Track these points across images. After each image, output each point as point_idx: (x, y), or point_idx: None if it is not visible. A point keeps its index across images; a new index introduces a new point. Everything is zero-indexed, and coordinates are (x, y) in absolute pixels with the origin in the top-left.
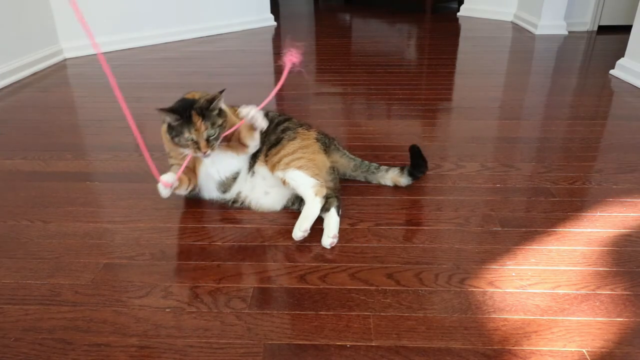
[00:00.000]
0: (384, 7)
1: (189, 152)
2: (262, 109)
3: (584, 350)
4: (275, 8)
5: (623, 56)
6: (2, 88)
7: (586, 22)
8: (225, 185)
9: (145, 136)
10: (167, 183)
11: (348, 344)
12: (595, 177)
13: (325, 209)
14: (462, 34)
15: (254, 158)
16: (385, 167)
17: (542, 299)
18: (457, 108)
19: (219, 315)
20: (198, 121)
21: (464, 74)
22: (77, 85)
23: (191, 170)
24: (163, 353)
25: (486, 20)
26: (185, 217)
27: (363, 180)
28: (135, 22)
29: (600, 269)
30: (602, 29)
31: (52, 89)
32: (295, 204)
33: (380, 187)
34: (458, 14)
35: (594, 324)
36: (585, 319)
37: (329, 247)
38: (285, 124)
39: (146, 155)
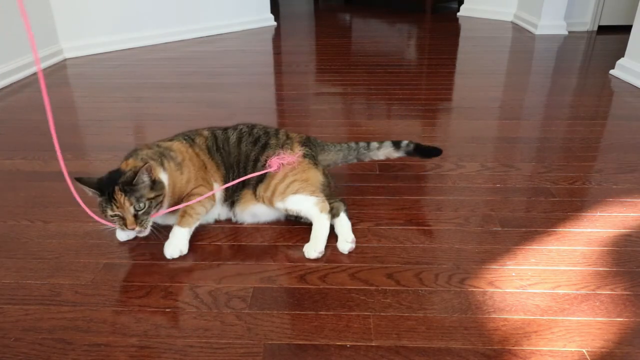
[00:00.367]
0: (384, 7)
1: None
2: (248, 126)
3: (584, 350)
4: (275, 8)
5: (623, 56)
6: (2, 88)
7: (586, 22)
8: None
9: (146, 136)
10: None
11: (348, 344)
12: (595, 177)
13: (333, 215)
14: (462, 34)
15: (230, 202)
16: (376, 144)
17: (542, 299)
18: (457, 108)
19: (219, 315)
20: (121, 197)
21: (464, 74)
22: (77, 85)
23: None
24: (163, 353)
25: (486, 20)
26: None
27: (356, 161)
28: (135, 22)
29: (600, 269)
30: (602, 29)
31: (52, 89)
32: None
33: (380, 187)
34: (458, 14)
35: (594, 324)
36: (585, 319)
37: (347, 252)
38: (265, 155)
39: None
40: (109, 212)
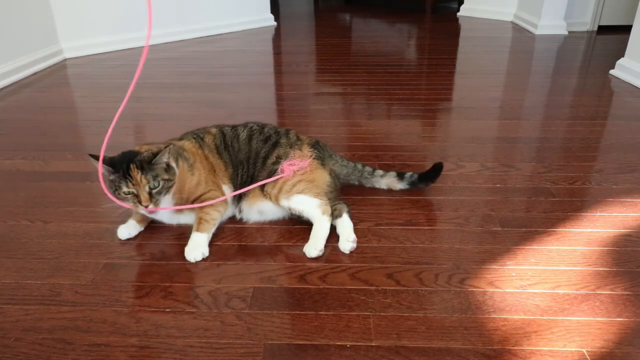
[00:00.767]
0: (384, 7)
1: (130, 206)
2: (259, 124)
3: (584, 350)
4: (275, 8)
5: (623, 56)
6: (2, 88)
7: (586, 22)
8: None
9: (145, 136)
10: (123, 239)
11: (348, 344)
12: (595, 177)
13: (335, 216)
14: (462, 34)
15: (238, 197)
16: (380, 172)
17: (542, 299)
18: (457, 108)
19: (219, 315)
20: (137, 175)
21: (464, 74)
22: (77, 85)
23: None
24: (163, 353)
25: (486, 20)
26: None
27: (357, 183)
28: (135, 22)
29: (600, 269)
30: (602, 29)
31: (52, 89)
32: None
33: (379, 187)
34: (458, 14)
35: (594, 324)
36: (585, 319)
37: (348, 251)
38: (276, 153)
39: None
40: (124, 189)
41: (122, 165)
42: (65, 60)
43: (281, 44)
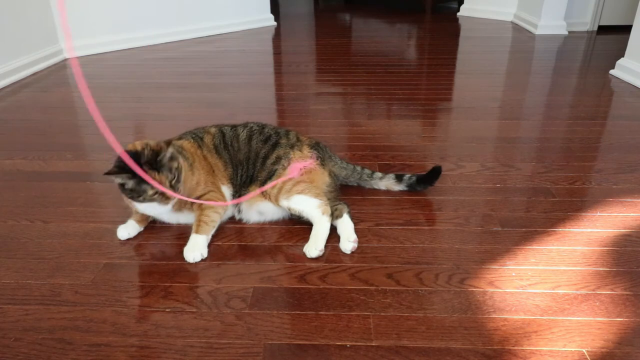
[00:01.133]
0: (384, 7)
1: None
2: (259, 125)
3: (584, 350)
4: (275, 8)
5: (623, 56)
6: (2, 88)
7: (586, 22)
8: None
9: (145, 136)
10: (123, 239)
11: (348, 344)
12: (595, 177)
13: (336, 216)
14: (462, 34)
15: (238, 197)
16: (379, 174)
17: (542, 299)
18: (457, 108)
19: (219, 315)
20: (156, 175)
21: (464, 74)
22: (77, 85)
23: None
24: (163, 353)
25: (486, 20)
26: None
27: (355, 185)
28: (135, 22)
29: (600, 269)
30: (602, 29)
31: (52, 89)
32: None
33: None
34: (458, 14)
35: (594, 324)
36: (585, 319)
37: (349, 251)
38: (275, 153)
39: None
40: (149, 192)
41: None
42: (65, 60)
43: (281, 44)
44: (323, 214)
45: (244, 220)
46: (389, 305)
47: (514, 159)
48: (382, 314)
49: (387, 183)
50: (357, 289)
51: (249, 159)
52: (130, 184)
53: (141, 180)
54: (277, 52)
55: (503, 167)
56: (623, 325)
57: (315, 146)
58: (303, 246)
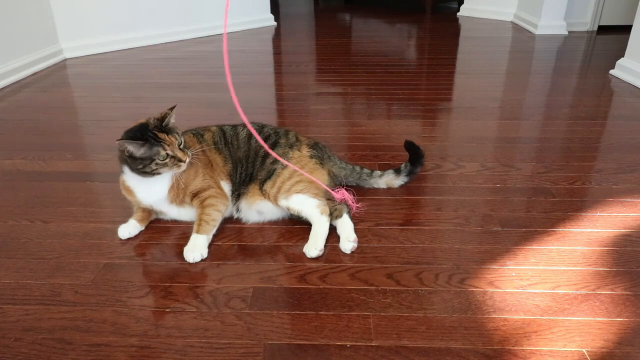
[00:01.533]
0: (384, 7)
1: (167, 172)
2: (258, 124)
3: (584, 350)
4: (275, 8)
5: (623, 56)
6: (2, 88)
7: (586, 22)
8: None
9: None
10: (124, 238)
11: (348, 344)
12: (595, 177)
13: (336, 216)
14: (462, 34)
15: (237, 195)
16: (378, 172)
17: (542, 299)
18: (457, 108)
19: (219, 315)
20: (165, 137)
21: (464, 74)
22: (77, 85)
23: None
24: (163, 353)
25: (486, 20)
26: None
27: (354, 185)
28: (135, 22)
29: (600, 269)
30: (602, 29)
31: (52, 89)
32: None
33: (379, 187)
34: (458, 14)
35: (594, 324)
36: (585, 319)
37: (349, 251)
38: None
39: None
40: (162, 153)
41: (146, 135)
42: (65, 60)
43: (281, 44)
44: (322, 213)
45: (244, 220)
46: (389, 305)
47: (514, 159)
48: (382, 314)
49: (387, 179)
50: (357, 289)
51: (248, 158)
52: (141, 151)
53: (153, 144)
54: (277, 52)
55: (503, 167)
56: (623, 325)
57: (314, 146)
58: (303, 246)
